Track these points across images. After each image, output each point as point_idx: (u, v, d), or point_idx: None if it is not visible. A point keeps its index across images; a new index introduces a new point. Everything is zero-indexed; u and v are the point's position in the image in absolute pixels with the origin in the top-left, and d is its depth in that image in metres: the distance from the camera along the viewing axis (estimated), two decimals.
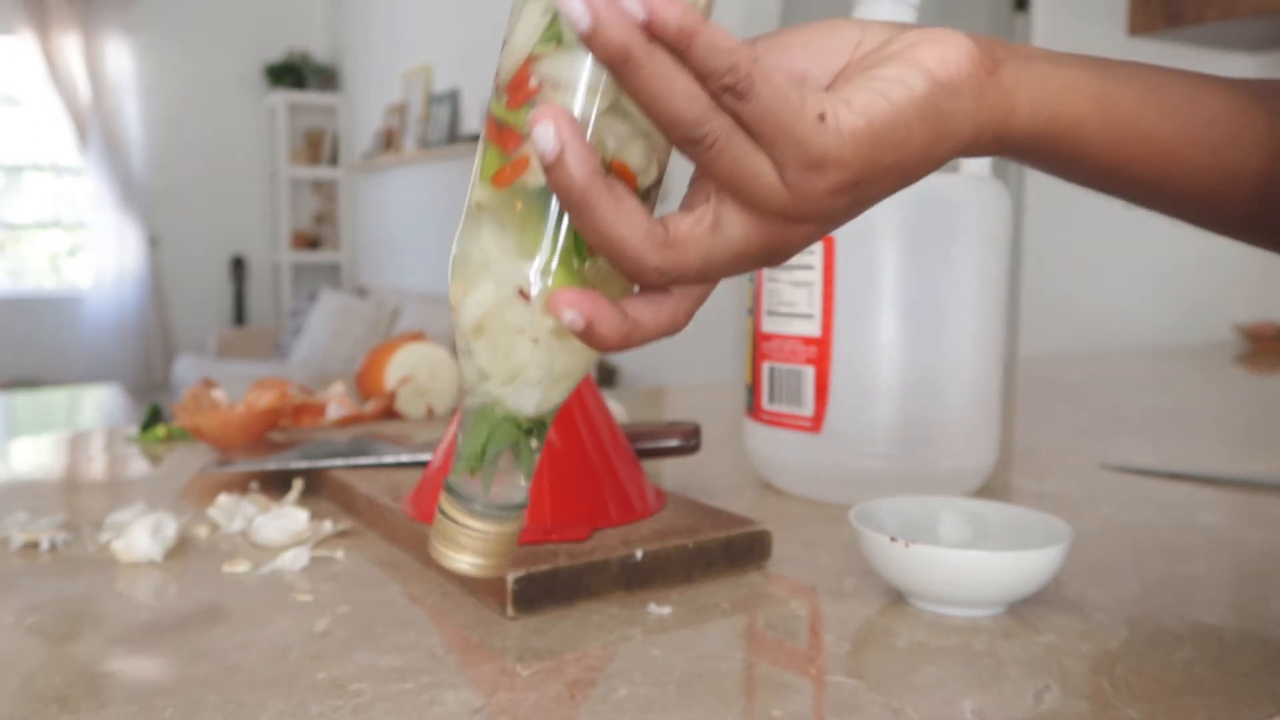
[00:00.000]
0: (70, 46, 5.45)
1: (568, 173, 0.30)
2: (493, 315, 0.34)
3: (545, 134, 0.30)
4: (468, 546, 0.37)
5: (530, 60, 0.32)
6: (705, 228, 0.34)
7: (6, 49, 5.44)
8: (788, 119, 0.31)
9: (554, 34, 0.32)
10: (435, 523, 0.38)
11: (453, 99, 4.89)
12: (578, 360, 0.35)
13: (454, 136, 4.86)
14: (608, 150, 0.33)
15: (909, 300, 0.69)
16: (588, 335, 0.33)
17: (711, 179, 0.33)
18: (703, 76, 0.30)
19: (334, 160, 6.16)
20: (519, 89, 0.33)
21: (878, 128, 0.33)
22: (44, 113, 5.53)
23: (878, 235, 0.69)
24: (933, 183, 0.69)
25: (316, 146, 6.15)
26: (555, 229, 0.33)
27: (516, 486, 0.37)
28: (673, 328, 0.35)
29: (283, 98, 5.89)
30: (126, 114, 5.65)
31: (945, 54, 0.34)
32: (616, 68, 0.30)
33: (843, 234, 0.69)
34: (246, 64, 6.01)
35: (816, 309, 0.70)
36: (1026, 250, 2.47)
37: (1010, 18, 3.39)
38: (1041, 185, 2.42)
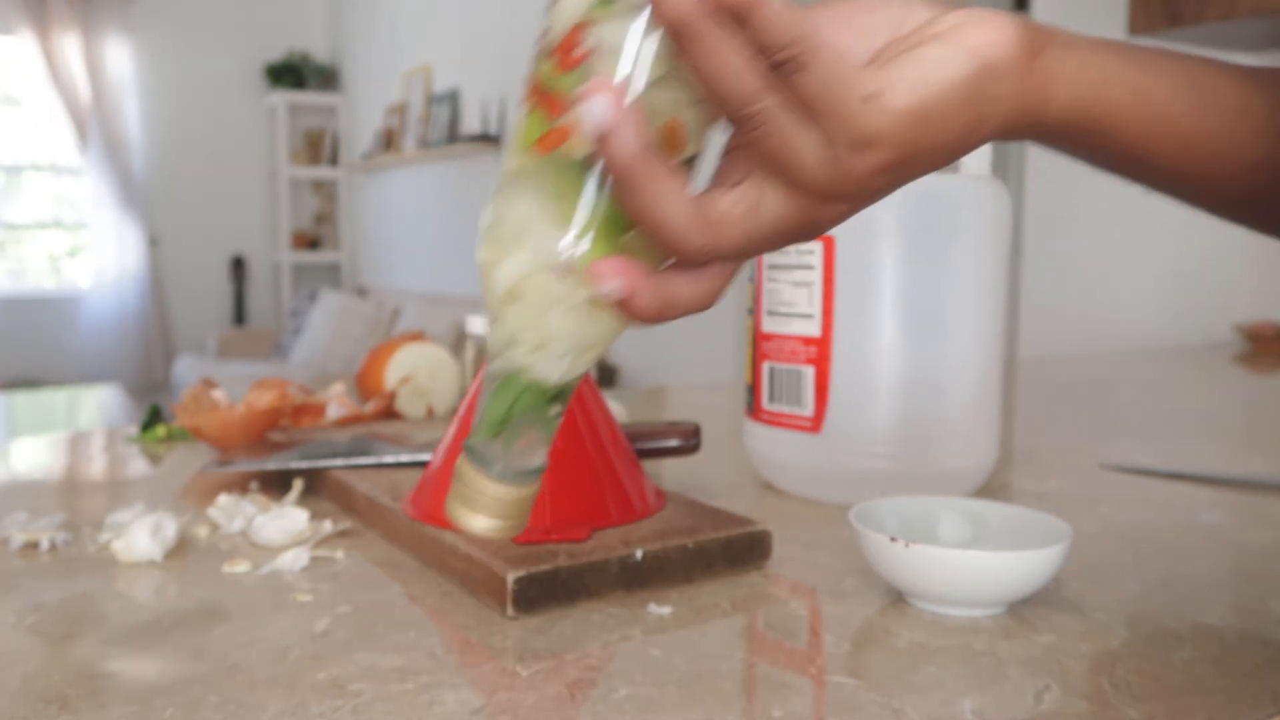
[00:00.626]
0: (70, 46, 5.45)
1: (618, 149, 0.31)
2: (527, 282, 0.34)
3: (598, 108, 0.30)
4: (484, 509, 0.37)
5: (583, 25, 0.32)
6: (746, 207, 0.34)
7: (6, 49, 5.44)
8: (840, 95, 0.32)
9: None
10: (453, 484, 0.38)
11: (453, 99, 4.88)
12: (607, 331, 0.35)
13: (454, 136, 4.86)
14: (654, 122, 0.32)
15: (909, 300, 0.69)
16: (626, 307, 0.33)
17: (756, 155, 0.34)
18: (761, 48, 0.30)
19: (334, 160, 6.16)
20: (569, 53, 0.32)
21: (925, 107, 0.33)
22: (44, 113, 5.53)
23: (878, 235, 0.69)
24: (933, 183, 0.69)
25: (316, 146, 6.15)
26: (596, 198, 0.33)
27: (536, 452, 0.37)
28: (707, 302, 0.36)
29: (283, 98, 5.89)
30: (126, 114, 5.64)
31: (992, 36, 0.34)
32: (678, 37, 0.30)
33: (843, 234, 0.69)
34: (246, 64, 6.01)
35: (816, 309, 0.70)
36: (1026, 250, 2.47)
37: None
38: (1041, 185, 2.42)
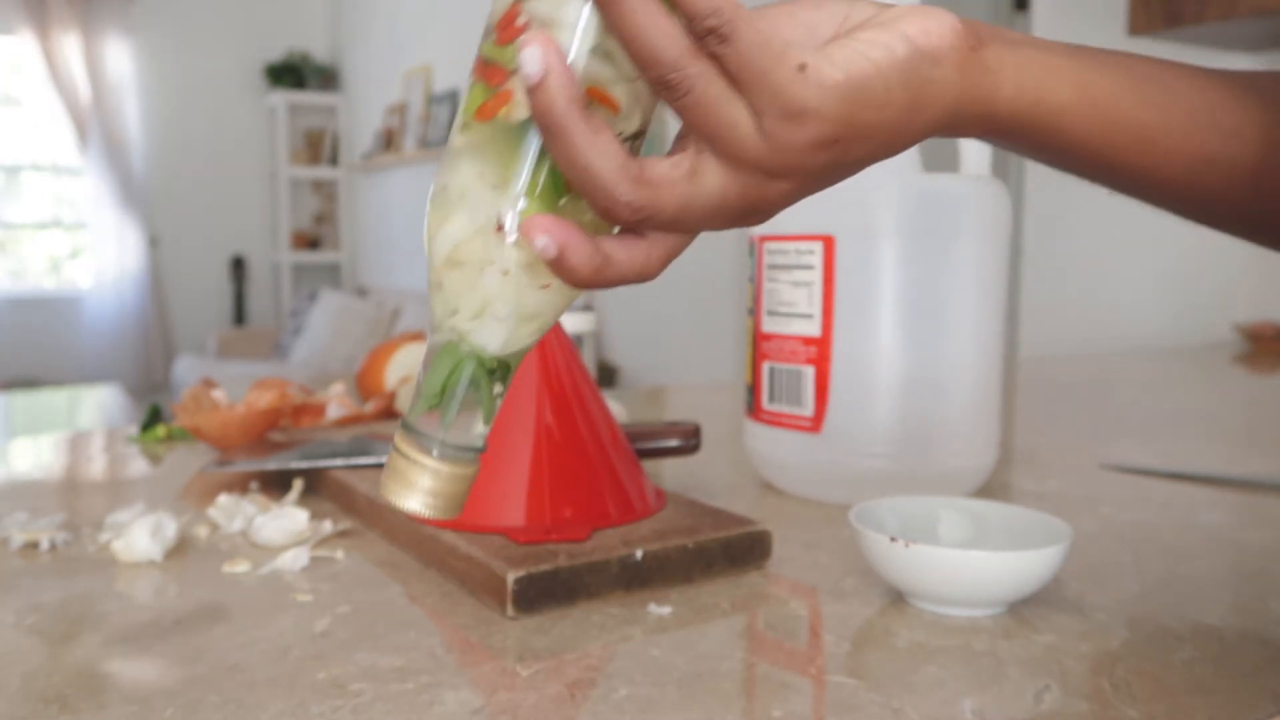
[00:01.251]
0: (70, 46, 5.44)
1: (549, 96, 0.31)
2: (466, 246, 0.34)
3: (532, 57, 0.31)
4: (420, 486, 0.36)
5: (519, 0, 0.33)
6: (682, 173, 0.34)
7: (6, 49, 5.44)
8: (768, 66, 0.32)
9: None
10: (388, 462, 0.37)
11: (453, 99, 4.88)
12: (548, 300, 0.35)
13: None
14: (589, 89, 0.33)
15: (909, 300, 0.69)
16: (559, 264, 0.33)
17: (691, 128, 0.34)
18: (687, 18, 0.31)
19: (334, 160, 6.16)
20: (507, 27, 0.33)
21: (857, 83, 0.33)
22: (44, 113, 5.53)
23: (878, 235, 0.69)
24: (933, 183, 0.69)
25: (316, 146, 6.15)
26: (535, 163, 0.33)
27: (475, 429, 0.37)
28: (644, 273, 0.36)
29: (283, 98, 5.88)
30: (126, 114, 5.64)
31: (929, 25, 0.35)
32: (600, 1, 0.31)
33: (843, 234, 0.69)
34: (246, 64, 6.01)
35: (816, 309, 0.70)
36: (1026, 250, 2.47)
37: (1010, 17, 3.39)
38: (1042, 185, 2.42)
